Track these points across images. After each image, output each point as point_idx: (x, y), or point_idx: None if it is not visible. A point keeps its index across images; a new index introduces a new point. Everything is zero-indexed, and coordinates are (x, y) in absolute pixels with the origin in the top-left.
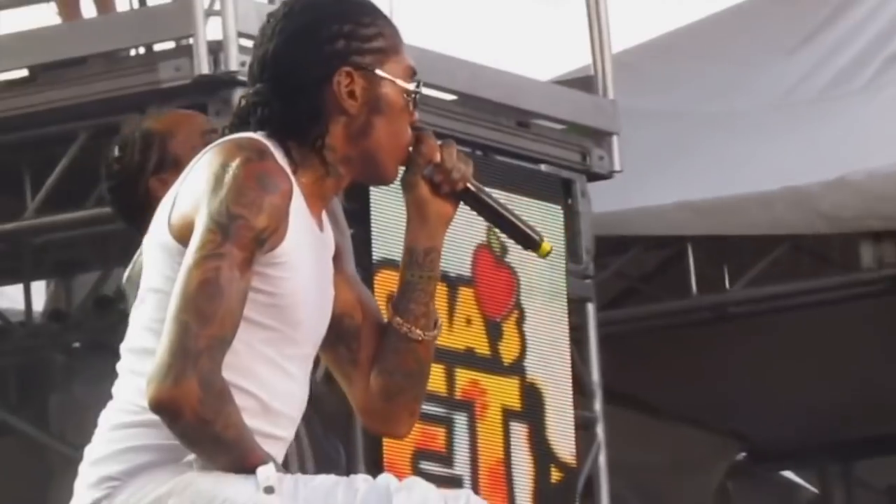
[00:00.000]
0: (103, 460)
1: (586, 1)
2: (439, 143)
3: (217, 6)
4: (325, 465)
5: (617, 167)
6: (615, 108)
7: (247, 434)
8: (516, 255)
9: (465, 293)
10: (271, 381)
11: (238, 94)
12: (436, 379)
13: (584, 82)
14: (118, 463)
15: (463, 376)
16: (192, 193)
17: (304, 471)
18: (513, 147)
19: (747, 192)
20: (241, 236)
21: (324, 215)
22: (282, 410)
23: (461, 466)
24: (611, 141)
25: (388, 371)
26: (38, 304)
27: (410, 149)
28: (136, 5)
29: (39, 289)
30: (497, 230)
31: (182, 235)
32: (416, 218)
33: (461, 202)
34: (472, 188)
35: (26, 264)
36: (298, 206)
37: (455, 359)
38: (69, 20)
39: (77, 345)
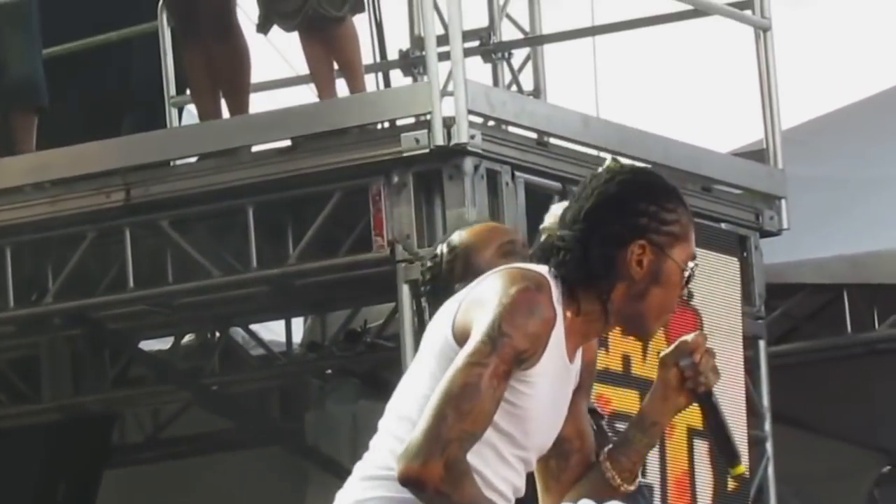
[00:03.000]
0: None
1: (759, 87)
2: (705, 348)
3: (450, 87)
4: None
5: (785, 226)
6: (784, 176)
7: (479, 499)
8: (700, 299)
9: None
10: (497, 468)
11: (467, 163)
12: (631, 402)
13: (757, 154)
14: None
15: None
16: (475, 305)
17: None
18: (698, 208)
19: (893, 247)
20: (505, 353)
21: (579, 350)
22: (500, 489)
23: (652, 476)
24: (780, 203)
25: (583, 498)
26: (297, 336)
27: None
28: (382, 87)
29: (298, 324)
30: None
31: (460, 338)
32: (658, 393)
33: (695, 402)
34: (711, 397)
35: (288, 303)
36: (557, 337)
37: (648, 386)
38: (326, 98)
39: (329, 371)
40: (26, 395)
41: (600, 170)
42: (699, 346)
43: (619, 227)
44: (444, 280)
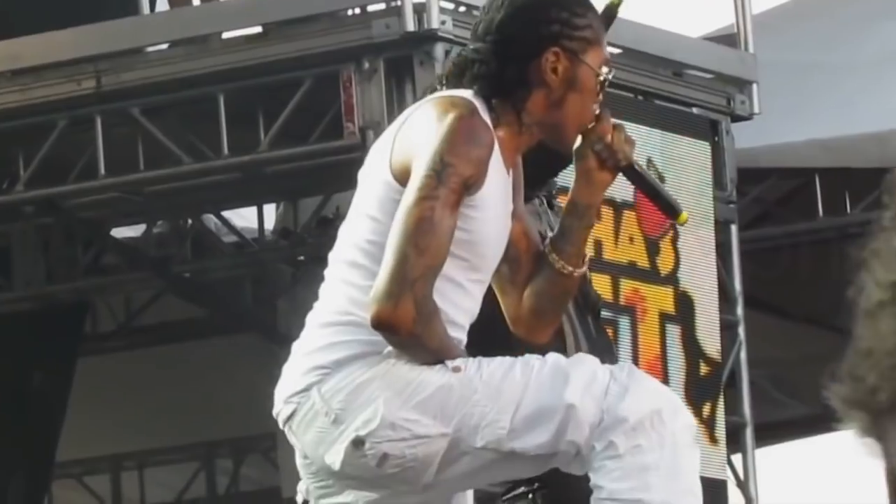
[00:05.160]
0: (315, 352)
1: None
2: (613, 124)
3: None
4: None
5: (756, 110)
6: (755, 60)
7: (446, 341)
8: (671, 184)
9: (628, 216)
10: (454, 299)
11: (438, 49)
12: (603, 287)
13: (728, 39)
14: (328, 354)
15: (626, 285)
16: (411, 140)
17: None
18: (669, 93)
19: (866, 131)
20: (452, 182)
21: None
22: (457, 320)
23: (624, 361)
24: (751, 88)
25: (538, 294)
26: (269, 223)
27: (589, 125)
28: None
29: (270, 211)
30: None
31: (400, 175)
32: (582, 180)
33: (620, 173)
34: (634, 166)
35: (259, 190)
36: (496, 156)
37: (619, 270)
38: None
39: (301, 258)
40: None
41: None
42: (607, 128)
43: (532, 35)
44: None
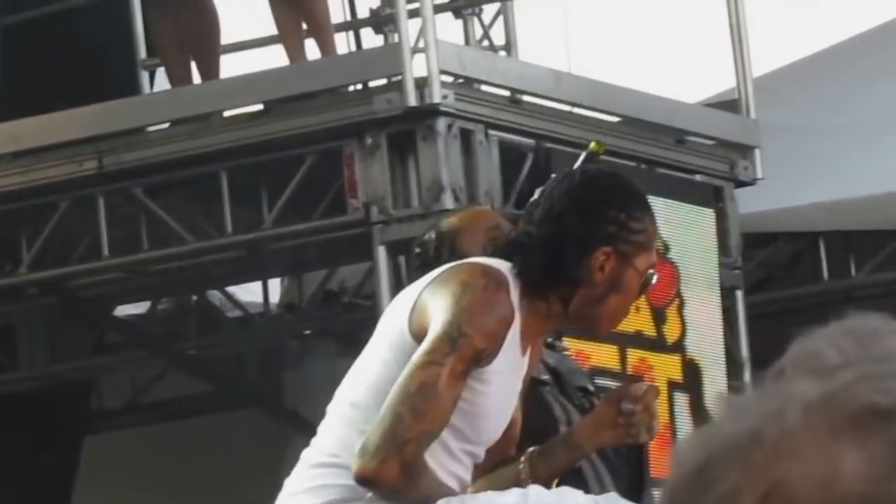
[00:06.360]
0: (300, 493)
1: (731, 37)
2: (653, 410)
3: (421, 44)
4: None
5: (759, 175)
6: (757, 126)
7: (434, 490)
8: (677, 252)
9: None
10: (443, 462)
11: (440, 123)
12: (610, 357)
13: (729, 104)
14: (311, 498)
15: (633, 354)
16: (434, 299)
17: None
18: (671, 160)
19: (869, 193)
20: (464, 353)
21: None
22: (446, 483)
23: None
24: (754, 153)
25: (490, 489)
26: (274, 297)
27: (637, 387)
28: (353, 48)
29: (275, 285)
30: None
31: (417, 333)
32: (592, 420)
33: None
34: (640, 448)
35: (264, 265)
36: (513, 335)
37: (626, 340)
38: (296, 62)
39: (307, 332)
40: (3, 364)
41: (576, 166)
42: (646, 403)
43: (587, 233)
44: (432, 265)
